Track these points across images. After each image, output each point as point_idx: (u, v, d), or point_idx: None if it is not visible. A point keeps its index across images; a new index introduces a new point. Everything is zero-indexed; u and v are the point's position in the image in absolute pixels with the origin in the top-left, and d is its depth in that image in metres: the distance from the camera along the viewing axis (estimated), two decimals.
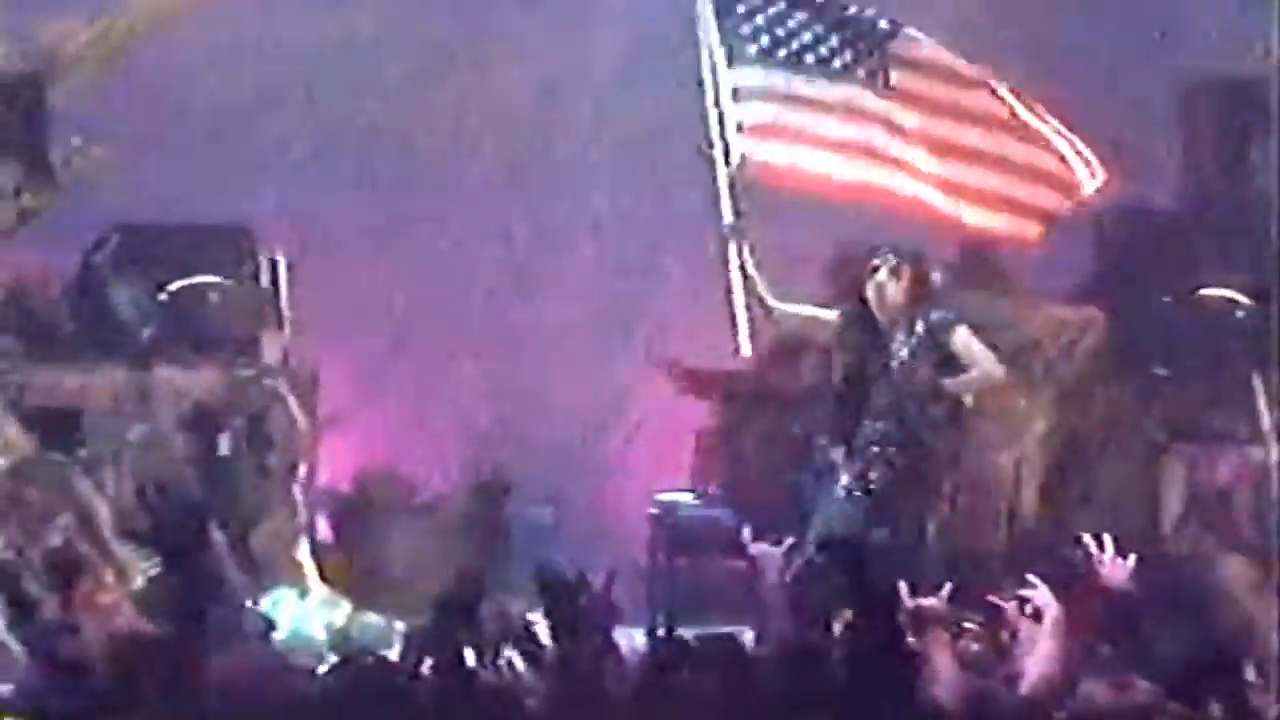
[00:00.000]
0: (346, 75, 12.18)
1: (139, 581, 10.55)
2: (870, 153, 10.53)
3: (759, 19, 10.64)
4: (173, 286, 11.50)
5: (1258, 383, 11.05)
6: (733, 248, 10.31)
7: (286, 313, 11.64)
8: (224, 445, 11.36)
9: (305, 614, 10.82)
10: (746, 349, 10.46)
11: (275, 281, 11.57)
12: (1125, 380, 11.40)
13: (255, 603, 10.61)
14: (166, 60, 11.39)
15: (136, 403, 11.34)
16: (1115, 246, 11.70)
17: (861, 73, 10.45)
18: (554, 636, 8.76)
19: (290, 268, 11.59)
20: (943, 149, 10.44)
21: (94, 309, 11.47)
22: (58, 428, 11.14)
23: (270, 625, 10.37)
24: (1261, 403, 11.12)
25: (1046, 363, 11.30)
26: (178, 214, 11.60)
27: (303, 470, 11.53)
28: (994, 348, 10.08)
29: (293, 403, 11.61)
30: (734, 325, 10.42)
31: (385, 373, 12.26)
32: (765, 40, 10.58)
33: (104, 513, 10.89)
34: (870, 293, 9.99)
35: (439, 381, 12.34)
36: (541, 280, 12.43)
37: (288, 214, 11.73)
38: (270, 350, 11.58)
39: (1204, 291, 11.29)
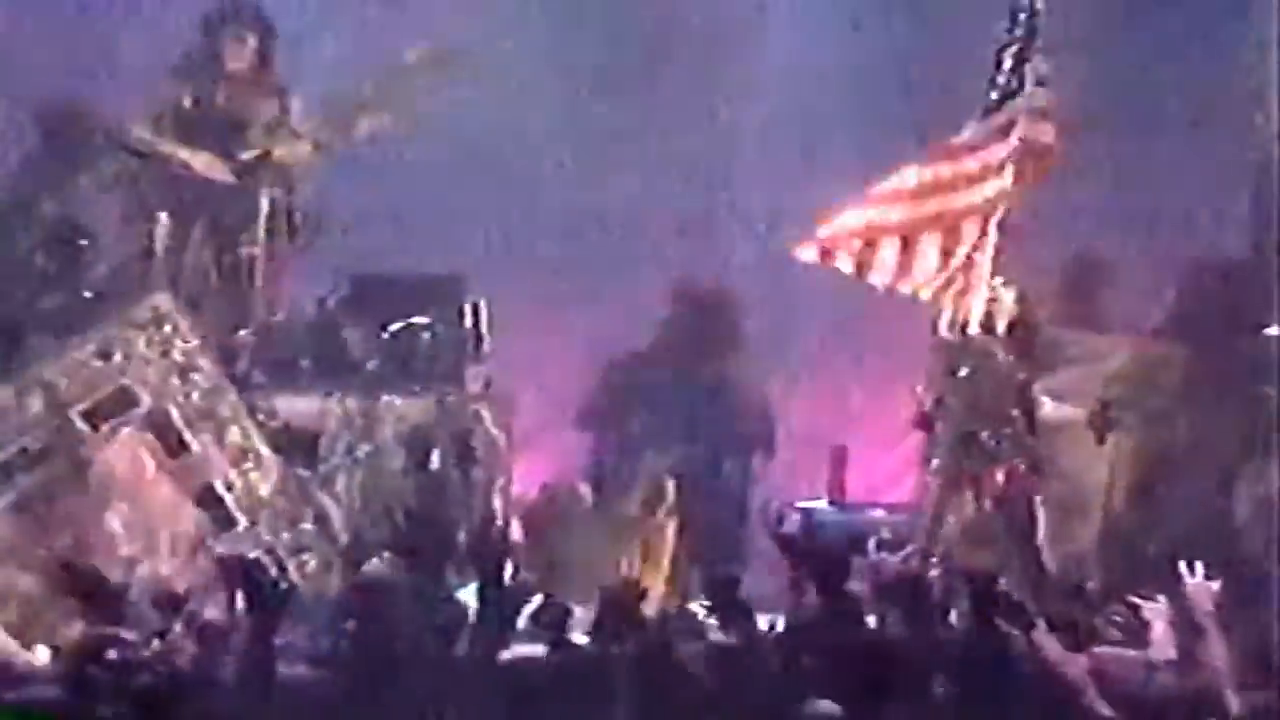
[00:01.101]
0: (534, 153, 12.70)
1: (367, 574, 10.78)
2: None
3: None
4: (393, 326, 12.00)
5: None
6: None
7: (487, 348, 12.09)
8: (434, 460, 11.81)
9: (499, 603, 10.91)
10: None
11: (477, 322, 12.06)
12: (1201, 406, 11.75)
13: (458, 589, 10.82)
14: (391, 137, 11.83)
15: (363, 425, 11.80)
16: (1191, 291, 12.09)
17: None
18: (720, 623, 9.47)
19: (490, 310, 12.02)
20: None
21: (328, 346, 12.03)
22: (299, 446, 11.55)
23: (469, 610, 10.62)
24: None
25: (1132, 390, 11.68)
26: (397, 265, 12.25)
27: (500, 481, 12.02)
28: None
29: (492, 424, 12.03)
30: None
31: (569, 400, 12.69)
32: None
33: (337, 516, 11.49)
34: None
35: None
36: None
37: (489, 265, 12.19)
38: (473, 380, 12.11)
39: (1267, 331, 11.72)
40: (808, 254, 10.96)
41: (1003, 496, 10.93)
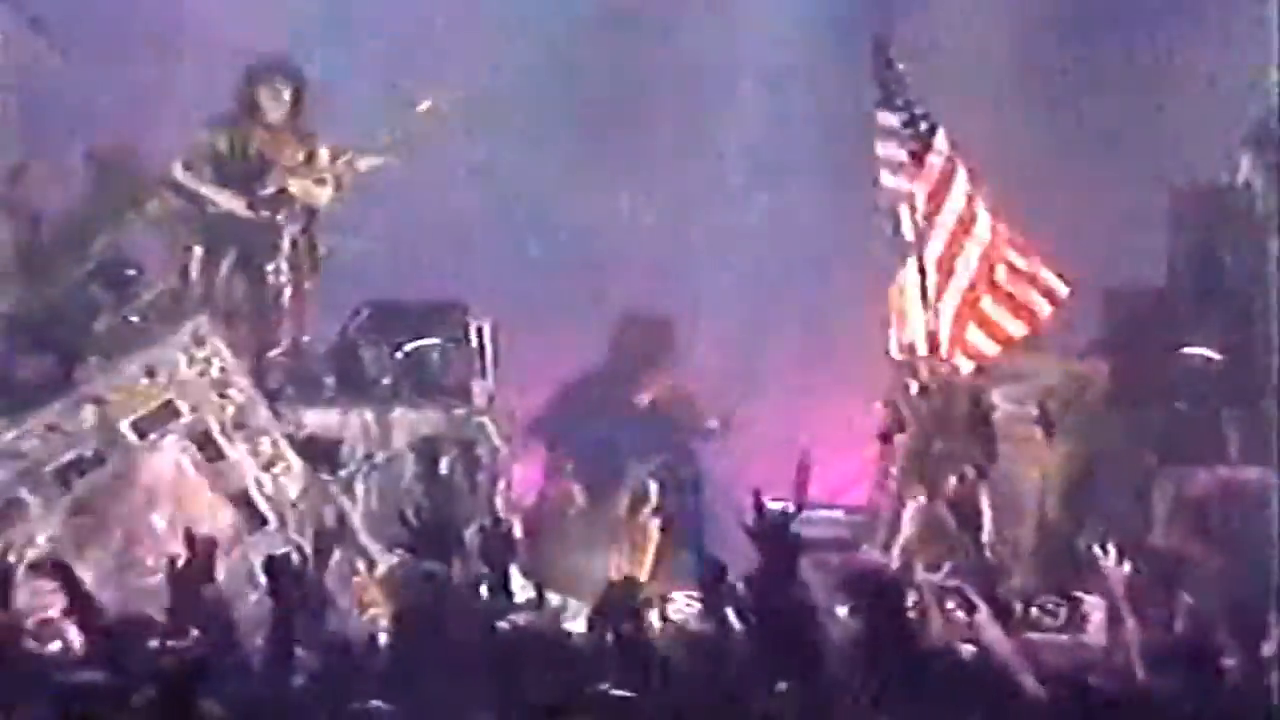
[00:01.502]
0: (534, 191, 13.18)
1: (381, 569, 11.41)
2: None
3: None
4: (406, 347, 12.43)
5: (1225, 417, 12.11)
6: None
7: (490, 367, 12.49)
8: (443, 467, 12.20)
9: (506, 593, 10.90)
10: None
11: (482, 343, 12.47)
12: (1124, 416, 12.21)
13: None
14: (404, 177, 12.36)
15: (379, 435, 12.16)
16: (1118, 315, 12.54)
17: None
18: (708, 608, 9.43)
19: (493, 332, 12.42)
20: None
21: (348, 365, 12.46)
22: (322, 454, 11.97)
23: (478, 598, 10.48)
24: (1230, 435, 12.09)
25: (1064, 403, 12.08)
26: (411, 293, 12.67)
27: (502, 485, 12.34)
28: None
29: (495, 435, 12.39)
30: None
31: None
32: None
33: (357, 517, 11.88)
34: None
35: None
36: (688, 339, 13.23)
37: (493, 292, 12.58)
38: (478, 395, 12.48)
39: (1185, 350, 12.30)
40: None
41: (954, 498, 11.44)
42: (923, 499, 11.39)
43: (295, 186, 12.25)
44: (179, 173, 12.23)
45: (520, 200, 13.07)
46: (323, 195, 12.28)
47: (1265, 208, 12.10)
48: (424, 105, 12.16)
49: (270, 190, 12.27)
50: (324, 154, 12.28)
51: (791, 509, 10.67)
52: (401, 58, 12.91)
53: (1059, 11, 12.94)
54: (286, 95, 12.22)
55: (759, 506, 9.62)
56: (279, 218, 12.24)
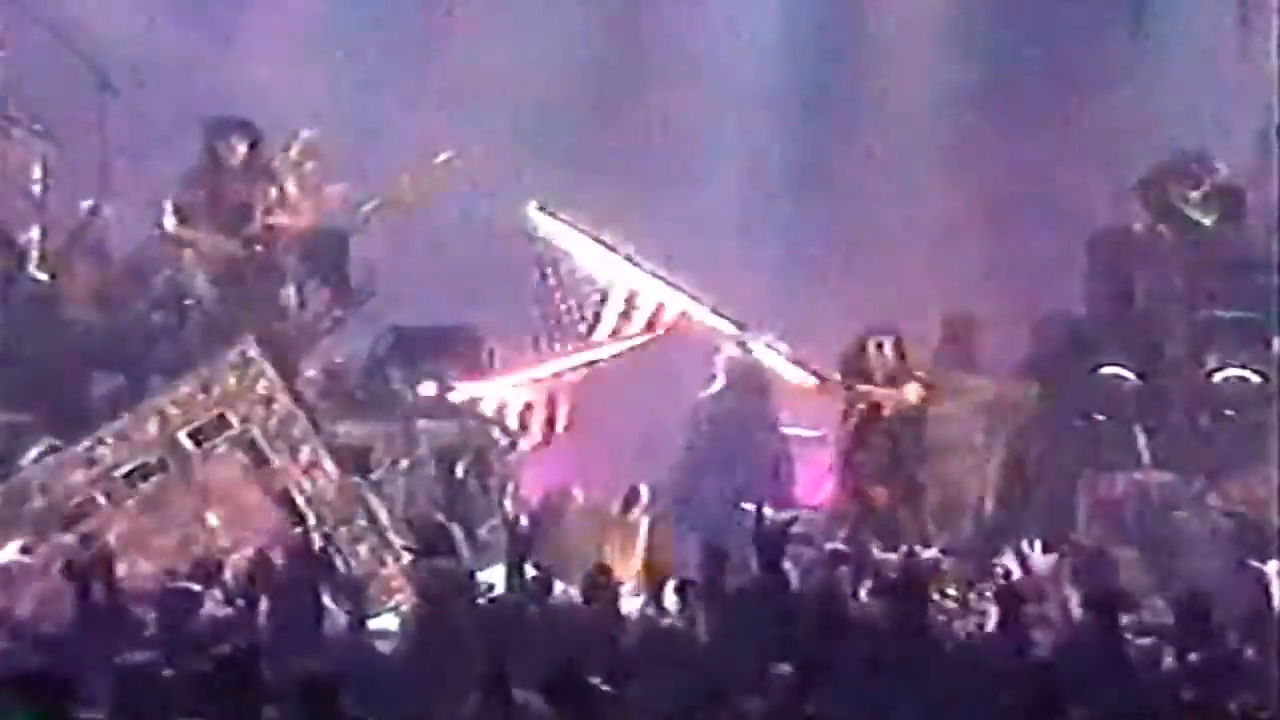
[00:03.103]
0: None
1: (405, 560, 11.73)
2: None
3: None
4: (428, 367, 12.81)
5: (1138, 429, 12.69)
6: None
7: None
8: (460, 471, 12.74)
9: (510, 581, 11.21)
10: None
11: (491, 363, 12.91)
12: (1051, 428, 12.75)
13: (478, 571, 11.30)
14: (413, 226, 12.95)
15: (404, 443, 12.67)
16: (1045, 341, 13.03)
17: None
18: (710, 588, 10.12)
19: (502, 354, 12.82)
20: None
21: (377, 382, 12.94)
22: (354, 460, 12.43)
23: (491, 588, 11.08)
24: (1141, 442, 12.67)
25: (998, 417, 12.68)
26: (430, 320, 13.13)
27: (510, 487, 12.85)
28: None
29: (504, 444, 12.84)
30: None
31: (565, 424, 13.01)
32: None
33: (385, 516, 12.29)
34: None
35: (598, 429, 13.23)
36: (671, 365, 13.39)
37: (503, 317, 12.93)
38: (490, 408, 12.87)
39: (1103, 370, 12.77)
40: None
41: (902, 500, 12.06)
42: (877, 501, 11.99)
43: (281, 223, 12.71)
44: (170, 224, 12.70)
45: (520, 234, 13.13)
46: (307, 229, 12.71)
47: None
48: (442, 157, 12.68)
49: (255, 228, 12.71)
50: (292, 189, 12.74)
51: (788, 516, 11.38)
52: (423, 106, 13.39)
53: (986, 68, 13.40)
54: (242, 147, 12.70)
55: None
56: (274, 252, 12.68)
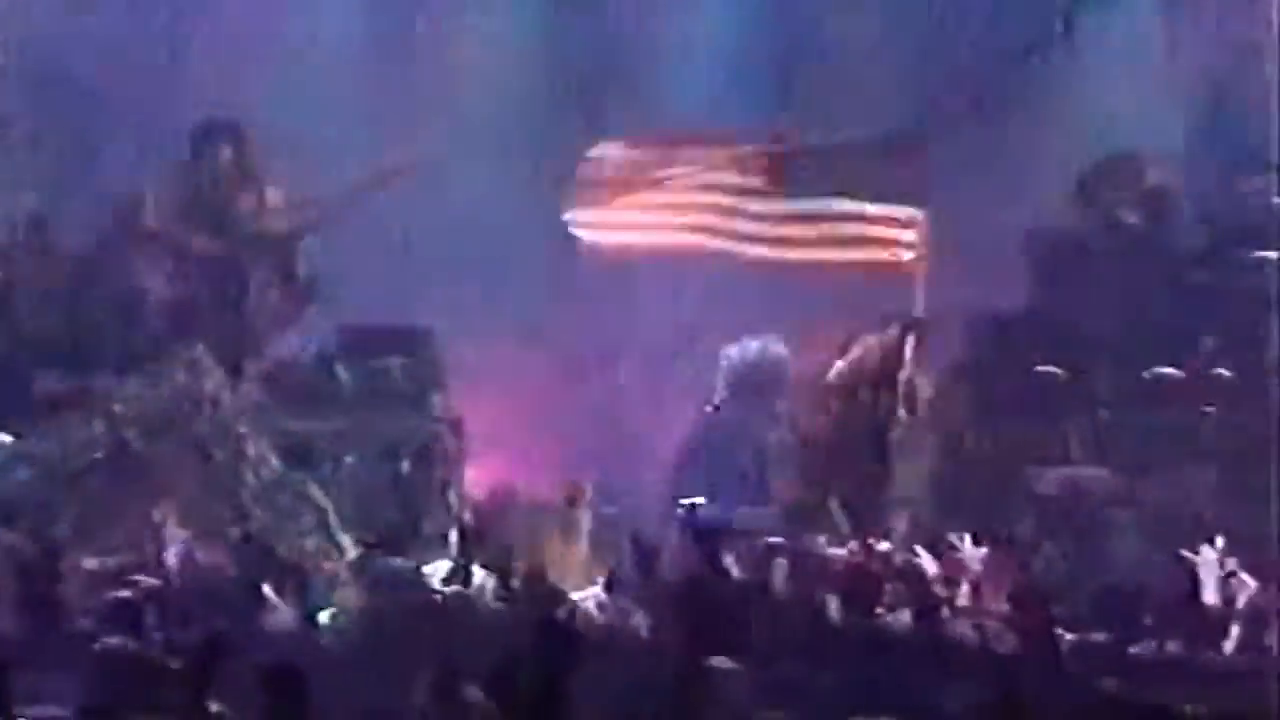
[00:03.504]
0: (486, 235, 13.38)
1: (351, 555, 11.96)
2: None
3: None
4: (375, 364, 12.88)
5: (1069, 427, 12.66)
6: None
7: (444, 381, 12.96)
8: (404, 467, 12.71)
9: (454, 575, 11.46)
10: None
11: (437, 361, 12.96)
12: (986, 424, 12.78)
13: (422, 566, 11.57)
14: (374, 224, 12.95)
15: (349, 439, 12.67)
16: (980, 339, 13.12)
17: None
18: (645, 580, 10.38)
19: (448, 353, 12.89)
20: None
21: (324, 379, 12.88)
22: (300, 456, 12.47)
23: (431, 581, 11.27)
24: (1073, 441, 12.69)
25: (936, 412, 12.52)
26: (377, 318, 13.11)
27: (454, 483, 12.81)
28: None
29: (449, 440, 12.84)
30: None
31: (508, 422, 13.27)
32: None
33: (330, 511, 12.33)
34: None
35: (543, 428, 13.41)
36: (620, 359, 13.78)
37: (447, 316, 12.92)
38: (436, 406, 12.95)
39: (1036, 368, 12.85)
40: None
41: (856, 497, 11.99)
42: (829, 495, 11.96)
43: (260, 228, 12.87)
44: (151, 222, 12.83)
45: (478, 236, 13.41)
46: (282, 234, 12.87)
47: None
48: (390, 158, 12.79)
49: (233, 232, 12.85)
50: (271, 195, 12.91)
51: (724, 514, 11.72)
52: (370, 108, 13.38)
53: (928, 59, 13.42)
54: (229, 152, 12.87)
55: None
56: (246, 255, 12.84)
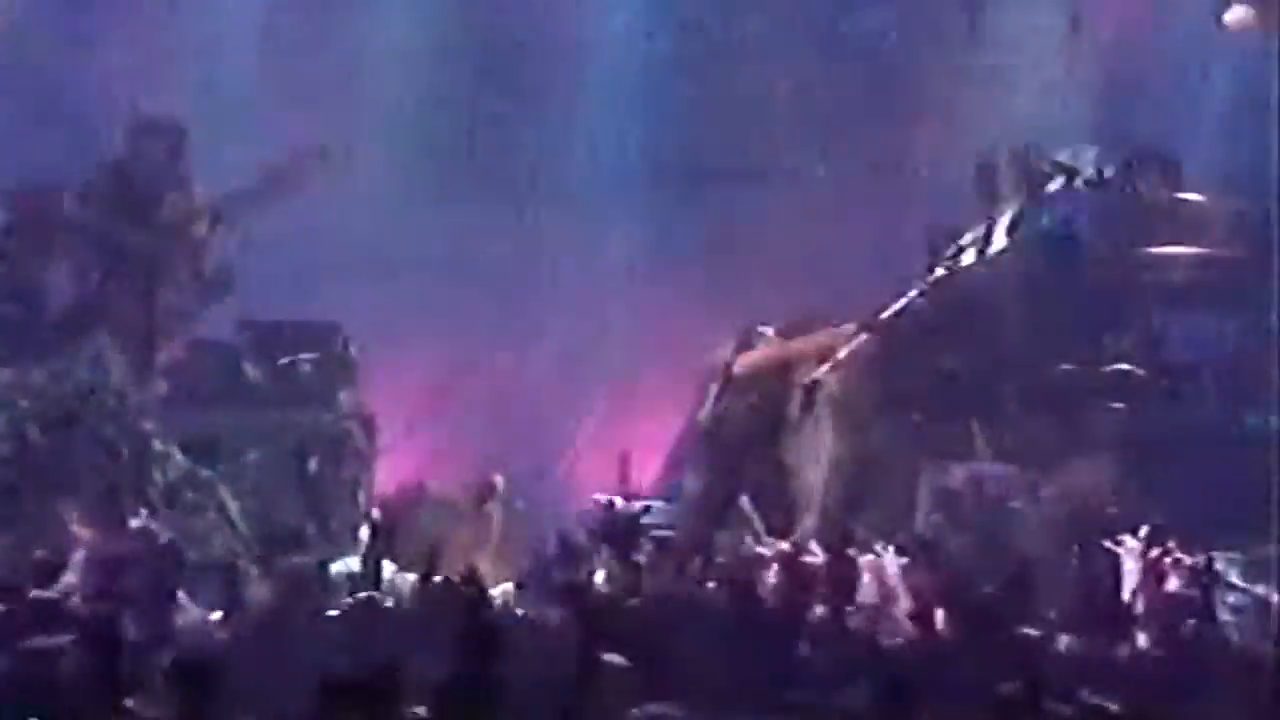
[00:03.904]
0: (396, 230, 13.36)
1: (258, 552, 11.77)
2: None
3: None
4: (282, 361, 12.89)
5: (974, 425, 12.71)
6: None
7: (355, 378, 13.00)
8: (313, 465, 12.69)
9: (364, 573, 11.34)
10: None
11: (348, 358, 12.98)
12: (893, 420, 12.80)
13: (330, 563, 11.48)
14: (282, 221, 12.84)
15: (256, 436, 12.60)
16: (884, 337, 12.77)
17: None
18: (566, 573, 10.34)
19: (359, 349, 12.92)
20: None
21: (232, 375, 12.85)
22: (206, 452, 12.38)
23: (339, 579, 11.21)
24: (978, 436, 12.70)
25: (844, 408, 12.58)
26: (288, 313, 13.02)
27: (364, 481, 12.83)
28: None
29: (358, 437, 12.88)
30: None
31: (418, 419, 13.35)
32: None
33: (234, 507, 12.31)
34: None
35: (453, 424, 13.40)
36: (530, 356, 13.65)
37: (357, 313, 13.00)
38: (345, 402, 12.96)
39: (942, 365, 12.79)
40: None
41: (755, 493, 12.11)
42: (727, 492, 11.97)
43: (182, 222, 12.81)
44: (71, 207, 12.75)
45: (388, 231, 13.37)
46: (203, 230, 12.85)
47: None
48: (300, 152, 12.79)
49: (155, 224, 12.79)
50: (198, 192, 12.88)
51: (638, 507, 11.67)
52: (282, 104, 13.24)
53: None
54: (164, 145, 12.85)
55: (609, 507, 10.61)
56: (164, 247, 12.77)
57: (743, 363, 11.88)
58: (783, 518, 11.71)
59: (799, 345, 11.78)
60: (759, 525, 11.83)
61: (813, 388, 11.97)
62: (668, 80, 13.77)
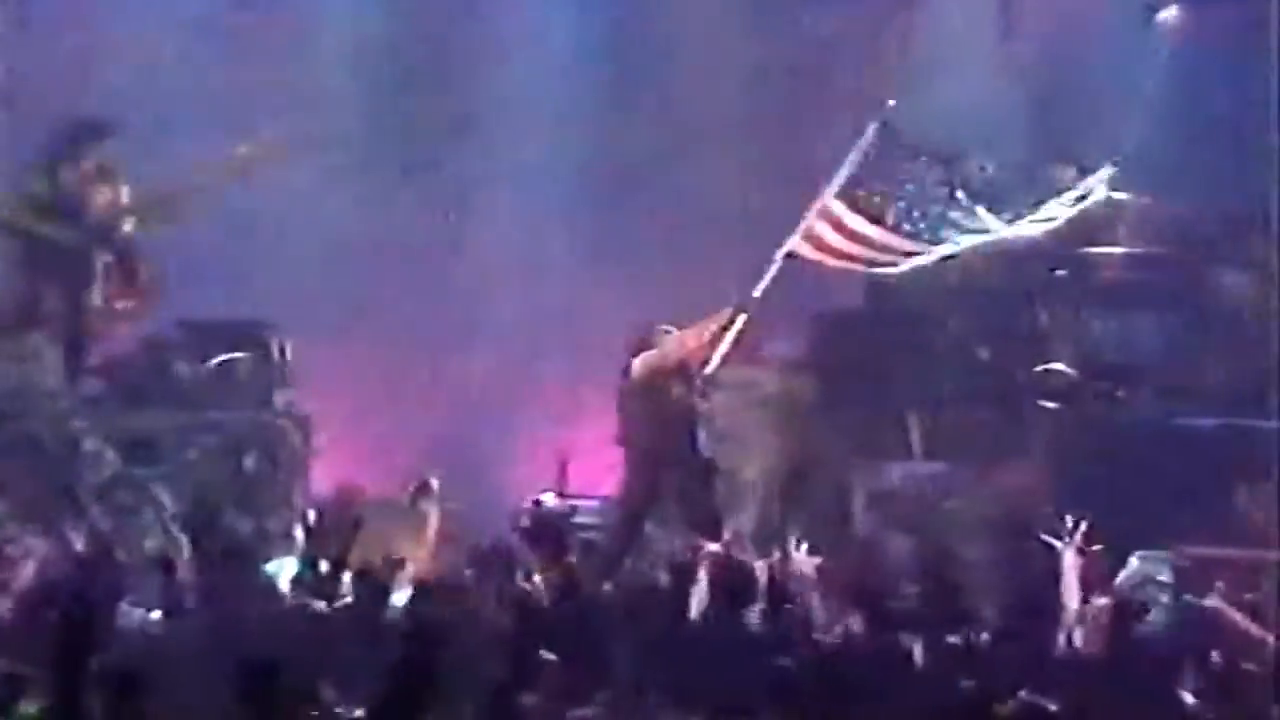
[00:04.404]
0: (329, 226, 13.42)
1: (187, 554, 11.21)
2: None
3: None
4: (215, 359, 12.84)
5: (911, 418, 12.76)
6: None
7: (289, 377, 12.93)
8: (248, 464, 12.65)
9: (296, 572, 11.22)
10: None
11: (282, 357, 12.89)
12: (829, 419, 12.83)
13: (265, 564, 11.43)
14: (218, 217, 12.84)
15: (191, 435, 12.52)
16: (822, 334, 13.14)
17: None
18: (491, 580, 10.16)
19: (293, 348, 12.86)
20: None
21: (164, 374, 12.78)
22: (139, 452, 12.33)
23: (274, 580, 11.11)
24: (914, 434, 12.74)
25: (778, 408, 12.71)
26: (222, 312, 13.01)
27: (299, 481, 12.78)
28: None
29: (293, 436, 12.81)
30: None
31: (354, 417, 13.39)
32: None
33: (169, 508, 12.12)
34: None
35: (389, 423, 13.54)
36: (465, 356, 13.68)
37: (292, 312, 12.95)
38: (280, 401, 12.92)
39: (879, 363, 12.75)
40: None
41: (680, 492, 11.86)
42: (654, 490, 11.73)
43: (112, 222, 12.71)
44: (3, 208, 12.63)
45: (320, 228, 13.42)
46: (131, 225, 12.75)
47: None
48: (240, 149, 12.69)
49: (86, 223, 12.69)
50: (125, 191, 12.75)
51: (566, 507, 11.71)
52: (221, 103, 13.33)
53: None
54: (92, 146, 12.71)
55: (538, 506, 10.53)
56: (94, 247, 12.69)
57: (643, 364, 11.67)
58: (710, 518, 11.54)
59: (690, 340, 11.56)
60: (681, 527, 11.74)
61: (708, 380, 11.79)
62: (603, 76, 13.68)
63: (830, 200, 11.67)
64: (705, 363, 11.63)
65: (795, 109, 13.41)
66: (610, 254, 13.48)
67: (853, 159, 11.63)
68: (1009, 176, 12.51)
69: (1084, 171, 12.27)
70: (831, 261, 11.67)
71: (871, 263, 11.68)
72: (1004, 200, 12.01)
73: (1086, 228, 12.85)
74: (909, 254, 11.69)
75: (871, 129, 11.70)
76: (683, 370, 11.55)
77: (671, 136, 13.55)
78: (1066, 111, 13.49)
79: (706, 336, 11.54)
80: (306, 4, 13.91)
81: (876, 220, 11.70)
